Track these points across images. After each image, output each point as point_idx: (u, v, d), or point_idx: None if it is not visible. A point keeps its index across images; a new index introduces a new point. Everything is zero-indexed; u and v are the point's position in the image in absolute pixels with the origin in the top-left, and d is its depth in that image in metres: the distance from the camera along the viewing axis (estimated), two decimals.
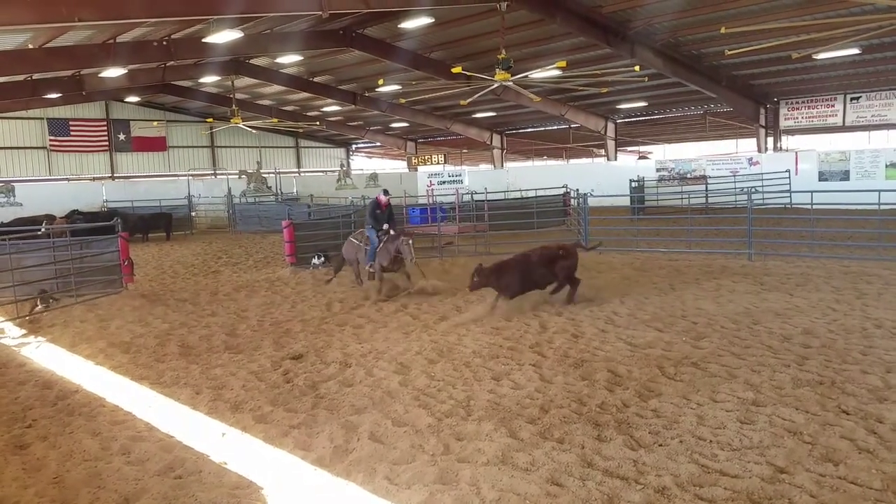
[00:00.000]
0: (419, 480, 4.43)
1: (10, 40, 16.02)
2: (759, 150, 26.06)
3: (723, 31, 12.51)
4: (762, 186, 22.37)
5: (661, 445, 4.80)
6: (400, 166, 42.31)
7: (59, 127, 30.76)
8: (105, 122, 32.30)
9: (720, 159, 27.92)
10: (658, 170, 27.84)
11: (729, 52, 14.30)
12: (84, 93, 24.50)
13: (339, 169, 36.76)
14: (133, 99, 31.16)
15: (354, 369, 6.94)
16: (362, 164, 45.46)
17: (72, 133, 31.20)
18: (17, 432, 5.58)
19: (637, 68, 17.56)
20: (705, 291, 10.05)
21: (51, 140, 30.62)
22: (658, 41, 19.38)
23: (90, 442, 5.32)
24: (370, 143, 41.74)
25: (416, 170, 35.99)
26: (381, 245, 10.76)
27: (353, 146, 43.61)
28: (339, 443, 5.10)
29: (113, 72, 20.34)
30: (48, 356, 8.02)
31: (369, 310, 9.79)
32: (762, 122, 25.58)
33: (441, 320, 8.91)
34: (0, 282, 10.77)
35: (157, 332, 9.00)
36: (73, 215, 22.02)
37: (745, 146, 33.25)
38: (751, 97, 24.69)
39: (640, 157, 37.95)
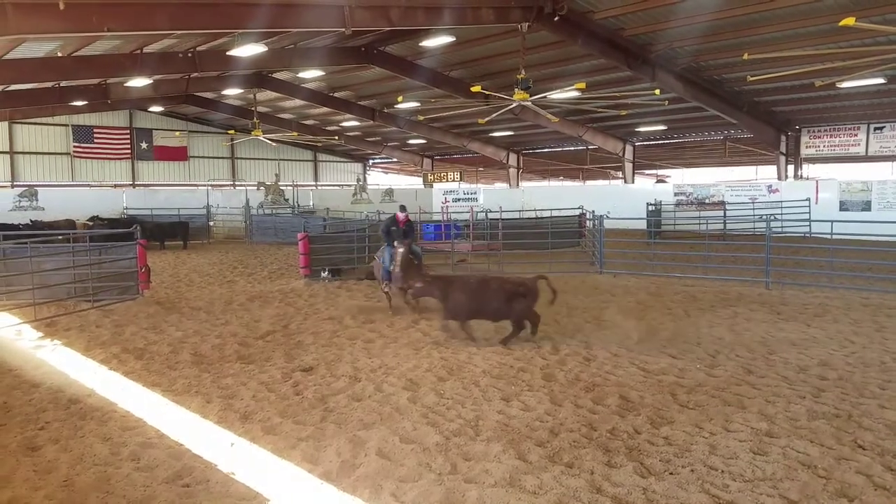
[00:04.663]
0: (425, 499, 4.40)
1: (41, 48, 16.42)
2: (779, 178, 25.88)
3: (745, 57, 12.51)
4: (781, 214, 22.17)
5: (671, 474, 4.73)
6: (416, 182, 42.54)
7: (83, 134, 31.35)
8: (128, 131, 32.87)
9: (739, 185, 27.74)
10: (676, 194, 27.74)
11: (751, 79, 14.26)
12: (109, 101, 24.95)
13: (355, 183, 37.04)
14: (156, 109, 31.68)
15: (364, 384, 6.93)
16: (379, 179, 45.77)
17: (95, 140, 31.77)
18: (29, 434, 5.63)
19: (657, 92, 17.60)
20: (721, 319, 9.94)
21: (74, 146, 31.19)
22: (679, 65, 19.40)
23: (101, 447, 5.35)
24: (387, 158, 42.05)
25: (431, 186, 36.17)
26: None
27: (371, 161, 43.94)
28: (346, 457, 5.08)
29: (138, 81, 20.74)
30: (63, 359, 8.09)
31: (381, 325, 9.79)
32: (783, 149, 25.43)
33: (452, 338, 8.88)
34: (20, 285, 10.96)
35: (171, 339, 9.07)
36: (95, 220, 22.38)
37: (765, 173, 33.03)
38: (772, 124, 24.57)
39: (658, 181, 37.84)
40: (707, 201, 26.43)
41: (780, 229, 20.57)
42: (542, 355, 7.95)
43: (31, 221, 21.47)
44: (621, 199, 26.38)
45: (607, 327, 9.42)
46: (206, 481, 4.75)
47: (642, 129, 28.26)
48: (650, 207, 22.89)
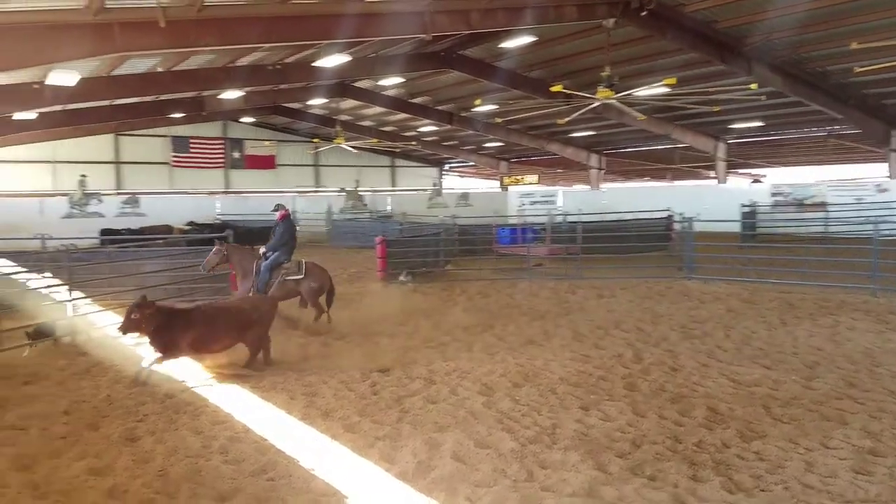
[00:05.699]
0: None
1: (143, 64, 17.66)
2: (890, 177, 23.84)
3: (853, 46, 11.58)
4: (891, 216, 20.40)
5: (763, 490, 4.44)
6: (492, 186, 42.47)
7: (180, 144, 33.56)
8: (222, 141, 34.85)
9: (843, 185, 25.81)
10: (773, 194, 26.15)
11: (858, 70, 13.18)
12: (204, 113, 26.54)
13: (431, 188, 37.44)
14: (247, 119, 33.38)
15: (439, 387, 6.95)
16: (454, 183, 46.06)
17: (192, 150, 33.93)
18: (129, 425, 6.01)
19: (754, 86, 16.59)
20: (820, 328, 9.26)
21: (173, 156, 33.43)
22: (778, 57, 18.27)
23: (193, 439, 5.64)
24: (463, 162, 42.23)
25: (507, 189, 35.94)
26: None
27: (447, 165, 44.30)
28: (422, 458, 5.10)
29: (231, 94, 21.90)
30: None
31: (454, 328, 9.78)
32: (894, 145, 23.42)
33: (528, 343, 8.75)
34: (121, 286, 11.78)
35: None
36: (191, 225, 23.85)
37: (873, 171, 30.57)
38: (882, 118, 22.69)
39: (754, 181, 35.82)
40: (807, 202, 24.76)
41: (889, 232, 18.92)
42: (623, 364, 7.68)
43: (140, 228, 23.14)
44: (713, 200, 25.05)
45: (695, 336, 8.99)
46: (288, 476, 4.91)
47: (737, 125, 26.76)
48: (745, 209, 21.68)
